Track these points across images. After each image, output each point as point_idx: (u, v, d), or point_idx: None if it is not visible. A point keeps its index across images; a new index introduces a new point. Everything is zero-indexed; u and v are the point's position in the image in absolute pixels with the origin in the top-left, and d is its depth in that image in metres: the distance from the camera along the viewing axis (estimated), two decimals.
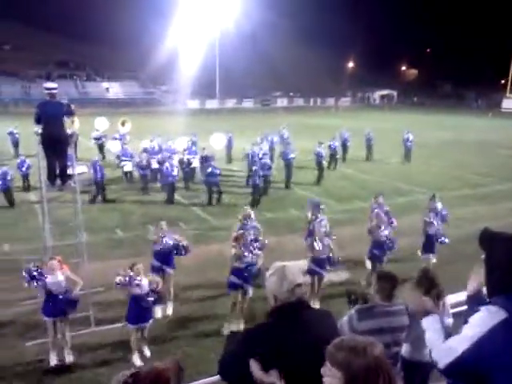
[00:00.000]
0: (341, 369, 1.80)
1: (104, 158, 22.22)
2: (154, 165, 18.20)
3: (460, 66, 78.25)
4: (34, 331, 7.73)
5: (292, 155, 18.97)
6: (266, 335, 2.56)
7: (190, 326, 8.24)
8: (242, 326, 7.95)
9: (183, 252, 8.72)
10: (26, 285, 7.05)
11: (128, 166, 18.78)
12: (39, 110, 7.97)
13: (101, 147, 22.89)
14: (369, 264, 9.94)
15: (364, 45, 77.38)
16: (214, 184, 16.38)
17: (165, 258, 8.77)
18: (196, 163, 19.15)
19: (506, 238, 2.41)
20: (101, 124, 23.90)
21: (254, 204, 15.46)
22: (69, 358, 7.22)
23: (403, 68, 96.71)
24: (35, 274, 6.95)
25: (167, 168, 16.48)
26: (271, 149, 22.78)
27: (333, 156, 21.98)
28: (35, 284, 6.98)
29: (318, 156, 19.73)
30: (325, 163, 20.24)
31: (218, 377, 4.01)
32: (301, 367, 2.41)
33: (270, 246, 10.39)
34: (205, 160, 17.98)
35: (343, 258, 9.50)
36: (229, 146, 23.28)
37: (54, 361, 7.15)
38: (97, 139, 23.00)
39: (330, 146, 21.69)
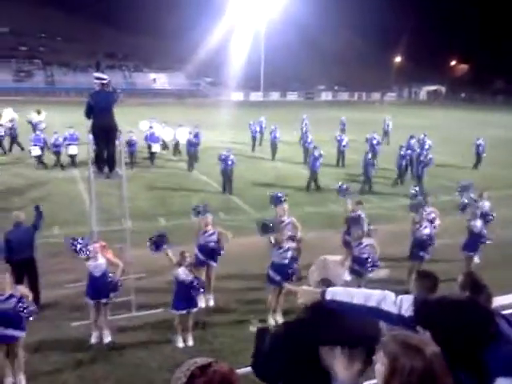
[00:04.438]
0: (388, 358, 1.85)
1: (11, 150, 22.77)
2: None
3: None
4: (78, 313, 8.02)
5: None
6: (306, 330, 2.55)
7: (227, 316, 8.33)
8: (278, 319, 8.01)
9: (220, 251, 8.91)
10: (74, 252, 7.33)
11: (36, 151, 19.63)
12: (92, 99, 8.21)
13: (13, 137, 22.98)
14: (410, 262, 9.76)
15: (412, 38, 75.32)
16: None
17: (209, 251, 8.82)
18: (157, 148, 21.40)
19: (455, 303, 2.13)
20: (7, 115, 23.99)
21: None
22: (107, 339, 7.48)
23: (453, 63, 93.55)
24: (80, 245, 7.26)
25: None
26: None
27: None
28: (81, 253, 7.26)
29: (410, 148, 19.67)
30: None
31: (249, 368, 4.06)
32: None
33: (311, 241, 10.37)
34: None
35: (384, 255, 9.34)
36: (195, 141, 21.46)
37: (94, 339, 7.43)
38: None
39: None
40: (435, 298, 2.27)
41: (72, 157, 20.20)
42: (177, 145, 22.96)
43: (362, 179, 17.60)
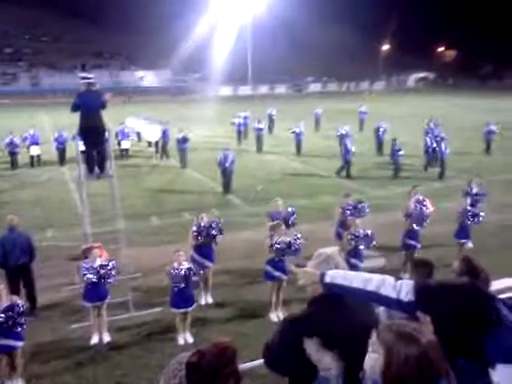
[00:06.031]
0: (384, 347, 1.84)
1: None
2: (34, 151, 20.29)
3: (501, 46, 75.06)
4: (77, 315, 8.00)
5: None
6: (309, 323, 2.54)
7: (223, 312, 8.34)
8: (280, 316, 7.98)
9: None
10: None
11: None
12: (79, 100, 8.14)
13: None
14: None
15: (399, 26, 75.26)
16: None
17: (204, 251, 8.73)
18: (127, 145, 21.90)
19: (457, 288, 2.14)
20: None
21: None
22: (106, 339, 7.46)
23: (440, 49, 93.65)
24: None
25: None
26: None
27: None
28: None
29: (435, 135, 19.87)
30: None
31: (251, 363, 4.06)
32: (344, 354, 2.41)
33: (304, 233, 10.38)
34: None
35: (380, 244, 9.36)
36: (164, 139, 21.44)
37: (93, 340, 7.41)
38: None
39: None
40: (436, 283, 2.25)
41: (33, 157, 20.18)
42: (157, 143, 22.57)
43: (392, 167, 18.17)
